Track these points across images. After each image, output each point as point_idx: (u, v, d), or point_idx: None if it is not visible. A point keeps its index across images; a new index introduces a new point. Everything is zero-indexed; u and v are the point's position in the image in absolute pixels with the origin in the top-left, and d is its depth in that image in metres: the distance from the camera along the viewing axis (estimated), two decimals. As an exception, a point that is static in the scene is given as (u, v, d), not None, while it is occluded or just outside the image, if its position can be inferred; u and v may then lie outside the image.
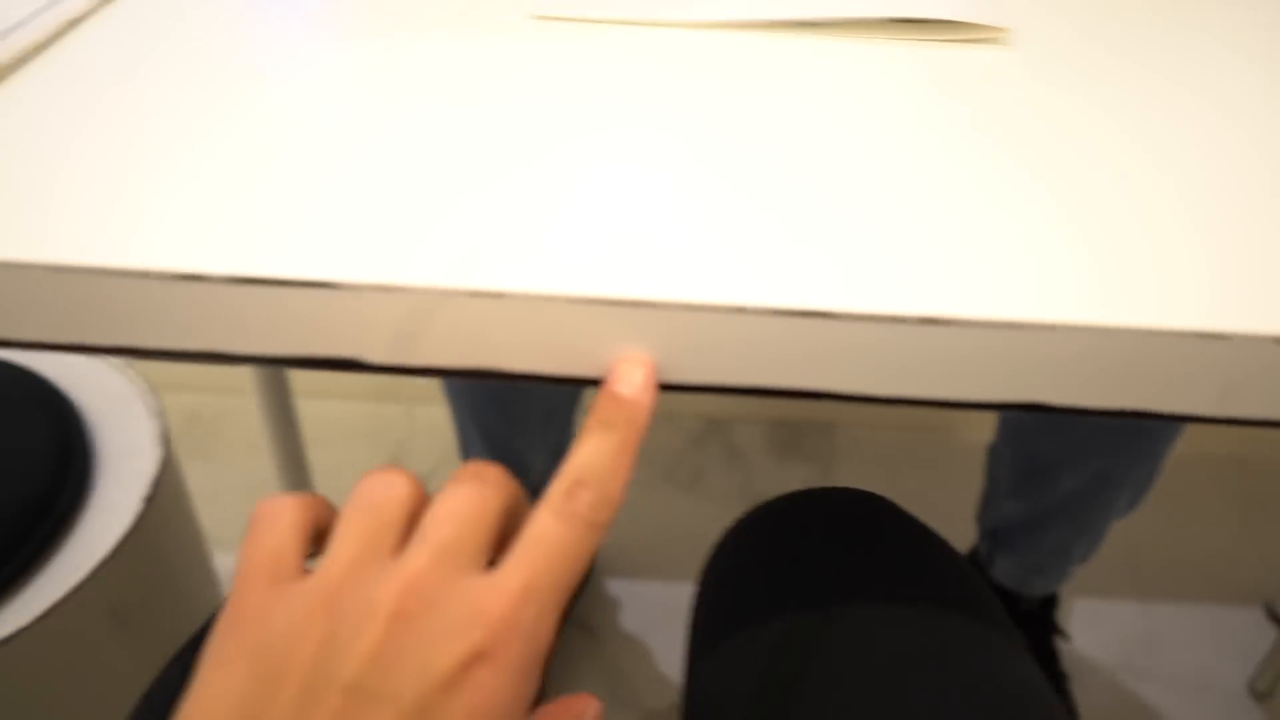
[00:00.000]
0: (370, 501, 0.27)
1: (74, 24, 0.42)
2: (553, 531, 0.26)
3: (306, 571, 0.26)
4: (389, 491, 0.27)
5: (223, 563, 1.05)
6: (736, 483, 1.31)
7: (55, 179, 0.32)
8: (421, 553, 0.25)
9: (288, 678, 0.24)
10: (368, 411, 1.40)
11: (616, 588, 1.16)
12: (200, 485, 0.89)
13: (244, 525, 0.28)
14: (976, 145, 0.35)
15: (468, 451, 0.97)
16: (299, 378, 1.16)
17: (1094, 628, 1.11)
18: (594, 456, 0.27)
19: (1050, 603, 1.03)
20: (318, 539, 0.28)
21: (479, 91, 0.37)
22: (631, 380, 0.28)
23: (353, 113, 0.36)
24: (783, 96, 0.38)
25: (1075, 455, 0.83)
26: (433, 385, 1.42)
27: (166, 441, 0.78)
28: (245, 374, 1.10)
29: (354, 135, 0.34)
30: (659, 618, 1.13)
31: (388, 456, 1.34)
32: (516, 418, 0.91)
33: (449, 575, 0.25)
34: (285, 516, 0.27)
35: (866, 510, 0.44)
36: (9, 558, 0.66)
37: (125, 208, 0.30)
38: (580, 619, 1.12)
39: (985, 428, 1.01)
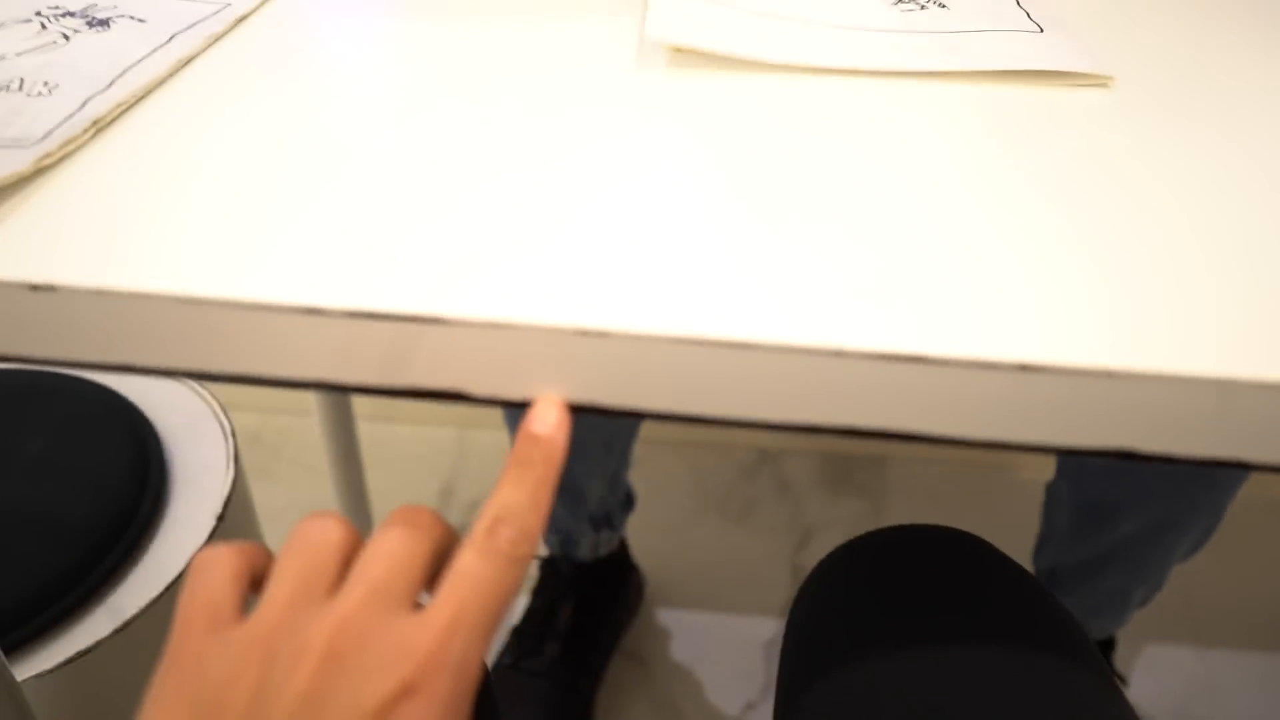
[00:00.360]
0: (304, 546, 0.28)
1: (186, 62, 0.44)
2: (476, 568, 0.27)
3: (244, 618, 0.27)
4: (323, 536, 0.28)
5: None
6: (787, 515, 1.31)
7: (171, 213, 0.33)
8: (353, 594, 0.26)
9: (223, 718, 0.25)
10: (421, 435, 1.42)
11: (667, 618, 1.16)
12: (261, 505, 0.91)
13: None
14: (1067, 191, 0.35)
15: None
16: (360, 400, 1.18)
17: (1151, 674, 1.09)
18: (513, 493, 0.29)
19: (1107, 646, 1.01)
20: (256, 585, 0.29)
21: (591, 136, 0.38)
22: (546, 419, 0.30)
23: (458, 150, 0.37)
24: (866, 138, 0.38)
25: (1137, 498, 0.82)
26: (486, 411, 1.44)
27: (238, 461, 0.80)
28: (308, 395, 1.12)
29: (461, 173, 0.35)
30: (709, 648, 1.13)
31: (441, 480, 1.36)
32: (575, 445, 0.92)
33: (380, 614, 0.26)
34: (222, 565, 0.28)
35: (962, 549, 0.44)
36: (89, 571, 0.68)
37: (244, 241, 0.32)
38: (631, 649, 1.12)
39: (1041, 465, 1.00)
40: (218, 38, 0.46)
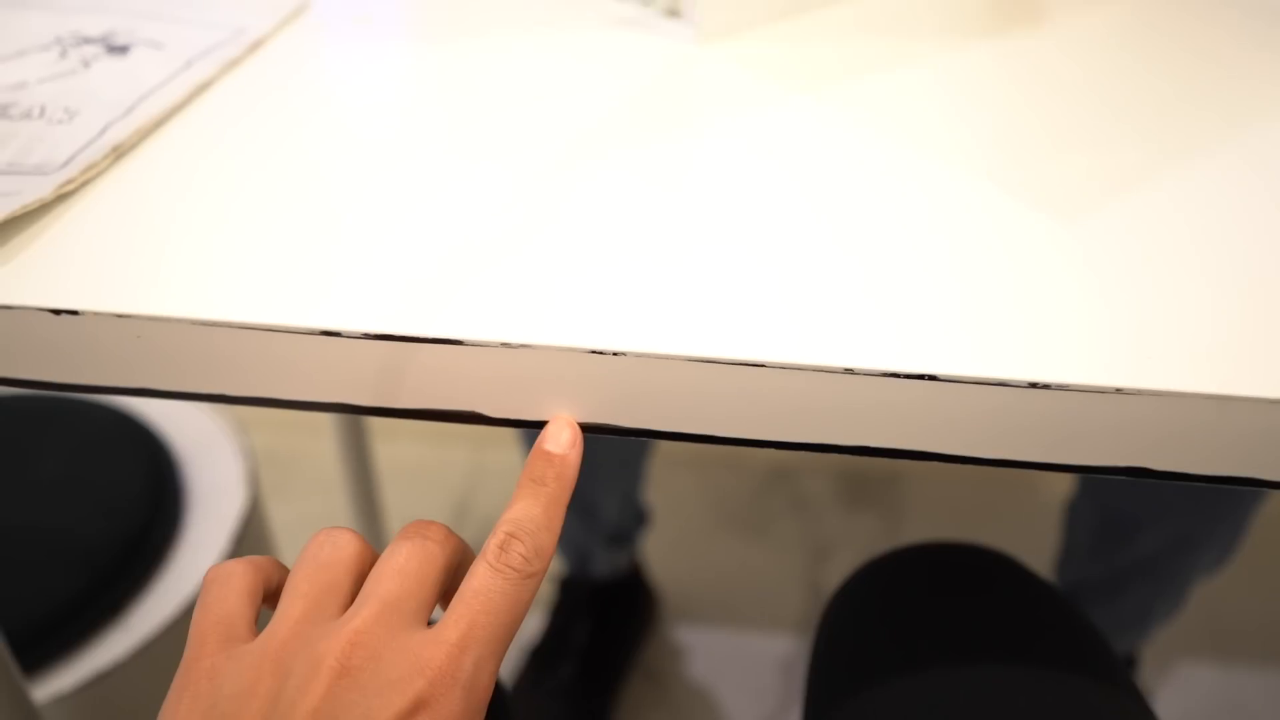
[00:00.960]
0: (318, 561, 0.28)
1: (204, 88, 0.44)
2: (489, 584, 0.27)
3: (257, 633, 0.28)
4: (336, 552, 0.28)
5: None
6: (804, 532, 1.30)
7: (191, 238, 0.34)
8: (366, 609, 0.26)
9: None
10: (436, 455, 1.42)
11: (682, 635, 1.16)
12: (275, 523, 0.91)
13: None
14: (1075, 209, 0.36)
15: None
16: (375, 420, 1.18)
17: (1175, 692, 1.08)
18: (526, 510, 0.29)
19: (1129, 664, 1.00)
20: (270, 599, 0.29)
21: (603, 157, 0.39)
22: (560, 439, 0.30)
23: (474, 175, 0.37)
24: (877, 154, 0.39)
25: (1158, 513, 0.81)
26: (501, 431, 1.44)
27: (255, 481, 0.81)
28: (323, 414, 1.13)
29: (476, 197, 0.36)
30: (725, 666, 1.13)
31: (456, 499, 1.36)
32: (589, 462, 0.92)
33: (392, 630, 0.26)
34: (235, 580, 0.28)
35: (990, 565, 0.44)
36: (104, 593, 0.69)
37: (263, 265, 0.32)
38: (646, 667, 1.12)
39: (1057, 481, 1.00)
40: (234, 63, 0.47)
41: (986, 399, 0.28)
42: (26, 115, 0.40)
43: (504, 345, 0.29)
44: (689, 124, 0.41)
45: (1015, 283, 0.32)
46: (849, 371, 0.28)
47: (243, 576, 0.29)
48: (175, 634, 0.69)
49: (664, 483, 1.33)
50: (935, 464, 0.29)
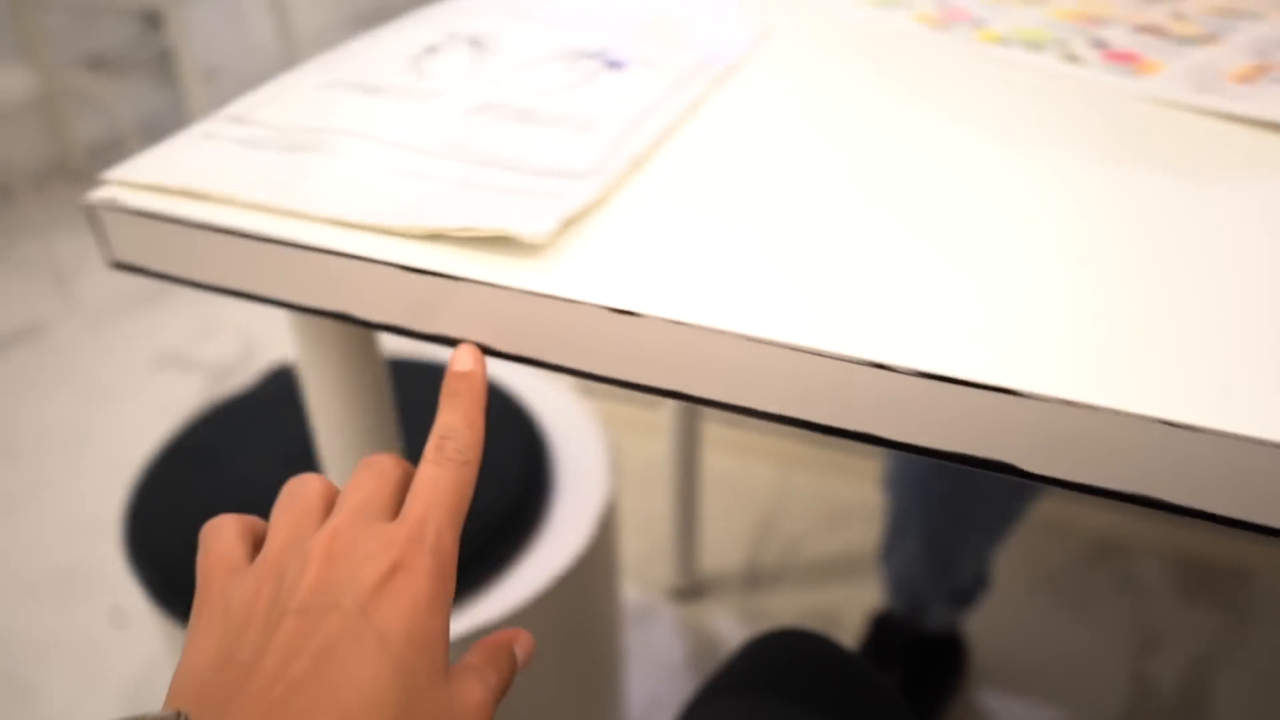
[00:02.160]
0: (294, 498, 0.34)
1: (697, 106, 0.47)
2: (433, 474, 0.33)
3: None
4: (306, 487, 0.34)
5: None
6: (1131, 614, 1.21)
7: (720, 252, 0.35)
8: (339, 516, 0.32)
9: (250, 623, 0.30)
10: (750, 470, 1.44)
11: (990, 701, 1.10)
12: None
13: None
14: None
15: (901, 537, 0.97)
16: (707, 430, 1.19)
17: None
18: (449, 420, 0.35)
19: None
20: (259, 546, 0.34)
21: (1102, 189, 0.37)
22: (465, 361, 0.36)
23: (980, 202, 0.37)
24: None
25: None
26: (810, 452, 1.44)
27: (618, 472, 0.85)
28: (662, 418, 1.17)
29: (996, 234, 0.35)
30: (1034, 742, 1.06)
31: (762, 512, 1.37)
32: (963, 514, 0.90)
33: (363, 524, 0.32)
34: (227, 528, 0.34)
35: None
36: (484, 559, 0.74)
37: (806, 286, 0.33)
38: (949, 725, 1.07)
39: None
40: (718, 83, 0.49)
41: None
42: (552, 121, 0.44)
43: (1064, 403, 0.28)
44: (1166, 171, 0.39)
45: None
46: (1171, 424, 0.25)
47: (233, 525, 0.34)
48: (538, 609, 0.74)
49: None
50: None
